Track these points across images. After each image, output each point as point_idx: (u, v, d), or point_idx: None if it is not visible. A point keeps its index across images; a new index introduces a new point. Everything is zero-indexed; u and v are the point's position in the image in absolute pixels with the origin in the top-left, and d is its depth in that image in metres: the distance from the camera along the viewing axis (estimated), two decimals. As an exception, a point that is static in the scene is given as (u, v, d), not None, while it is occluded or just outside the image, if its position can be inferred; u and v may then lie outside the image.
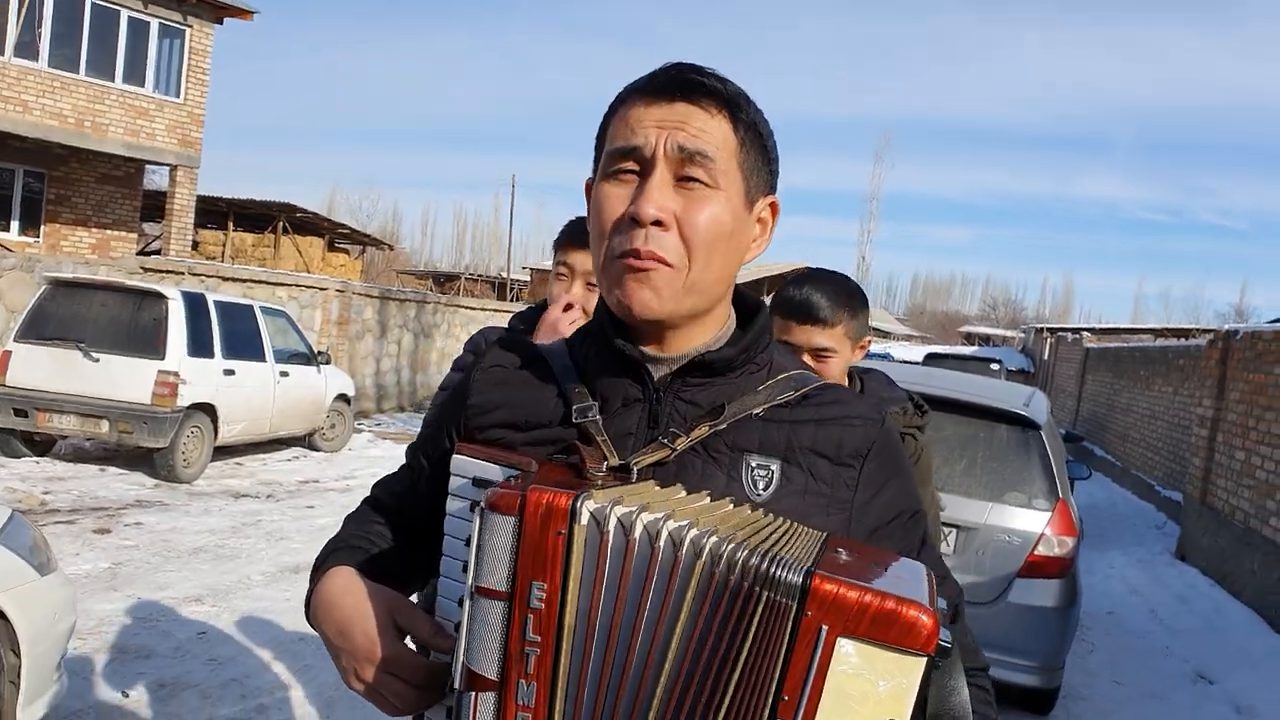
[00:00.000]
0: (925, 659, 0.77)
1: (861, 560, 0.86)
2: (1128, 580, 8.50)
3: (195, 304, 8.83)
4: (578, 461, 0.97)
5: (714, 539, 0.83)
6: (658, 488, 0.94)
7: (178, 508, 7.64)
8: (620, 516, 0.84)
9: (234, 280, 12.69)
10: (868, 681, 0.77)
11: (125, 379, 8.23)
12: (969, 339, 47.51)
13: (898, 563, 0.90)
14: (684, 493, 0.94)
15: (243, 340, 9.37)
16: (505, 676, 0.84)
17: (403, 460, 1.19)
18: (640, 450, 0.99)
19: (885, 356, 18.59)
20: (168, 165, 18.19)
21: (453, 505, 0.99)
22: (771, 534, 0.88)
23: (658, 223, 0.94)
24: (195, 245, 22.73)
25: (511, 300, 31.54)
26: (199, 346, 8.68)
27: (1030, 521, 4.81)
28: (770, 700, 0.79)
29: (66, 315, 8.52)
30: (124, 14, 17.03)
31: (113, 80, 17.02)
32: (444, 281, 42.50)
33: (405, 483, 1.17)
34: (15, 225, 17.52)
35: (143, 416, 8.17)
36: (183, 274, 11.80)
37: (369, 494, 1.21)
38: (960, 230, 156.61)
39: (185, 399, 8.36)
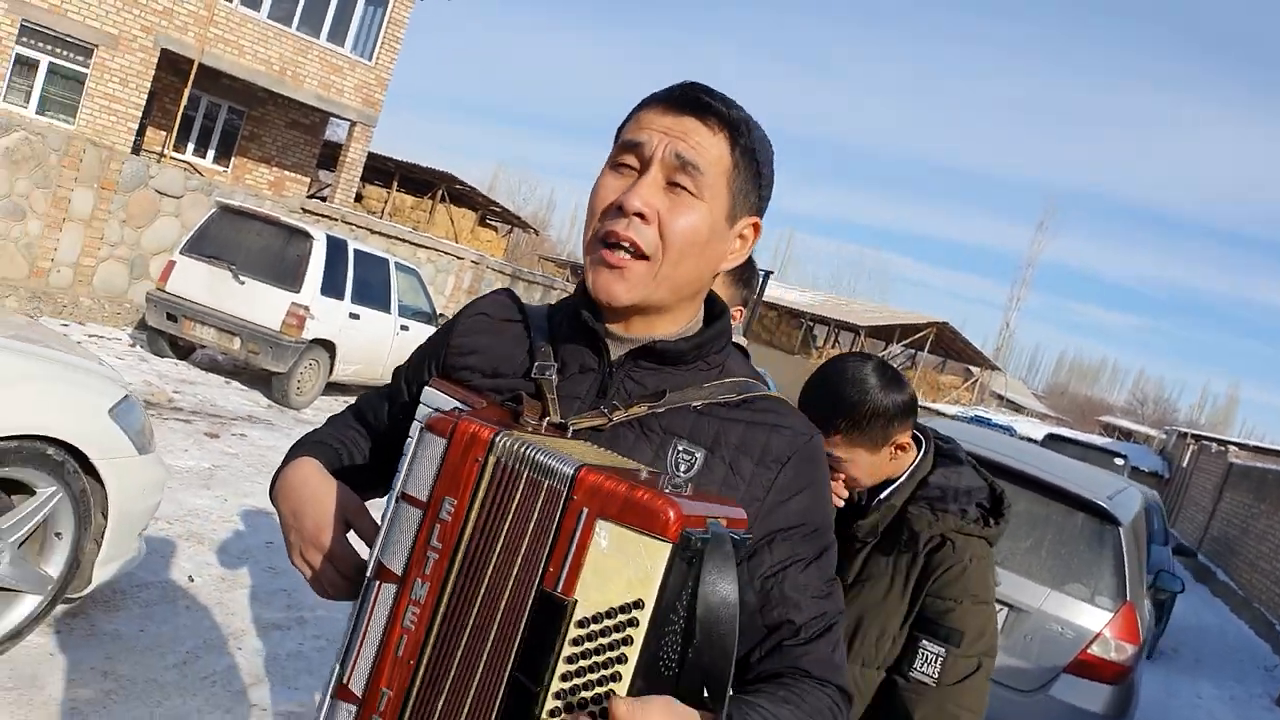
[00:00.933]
0: (669, 545, 0.84)
1: (654, 478, 0.94)
2: (1214, 715, 8.01)
3: (336, 248, 9.36)
4: (520, 410, 1.07)
5: (536, 450, 0.92)
6: (583, 445, 1.02)
7: (282, 429, 8.15)
8: (522, 454, 0.93)
9: (381, 234, 13.38)
10: (619, 561, 0.86)
11: (262, 304, 8.83)
12: (1107, 430, 45.14)
13: (722, 504, 0.96)
14: (601, 450, 1.03)
15: (372, 289, 9.86)
16: (407, 573, 0.95)
17: None
18: (581, 414, 1.09)
19: (1009, 430, 17.86)
20: (349, 120, 19.30)
21: (414, 429, 1.08)
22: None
23: (641, 215, 1.04)
24: (359, 198, 23.96)
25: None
26: (331, 287, 9.20)
27: (1089, 618, 4.66)
28: (540, 571, 0.89)
29: (226, 238, 9.20)
30: (340, -24, 18.19)
31: (317, 37, 18.19)
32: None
33: (384, 402, 1.30)
34: (211, 154, 18.94)
35: (270, 341, 8.75)
36: (336, 220, 12.53)
37: (354, 402, 1.36)
38: (1118, 315, 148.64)
39: (310, 333, 8.91)
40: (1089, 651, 4.62)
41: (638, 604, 0.85)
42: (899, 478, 1.95)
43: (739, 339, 2.82)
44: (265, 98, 18.83)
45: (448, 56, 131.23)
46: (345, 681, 0.97)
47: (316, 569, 1.08)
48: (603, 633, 0.86)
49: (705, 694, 0.89)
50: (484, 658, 0.91)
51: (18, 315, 5.43)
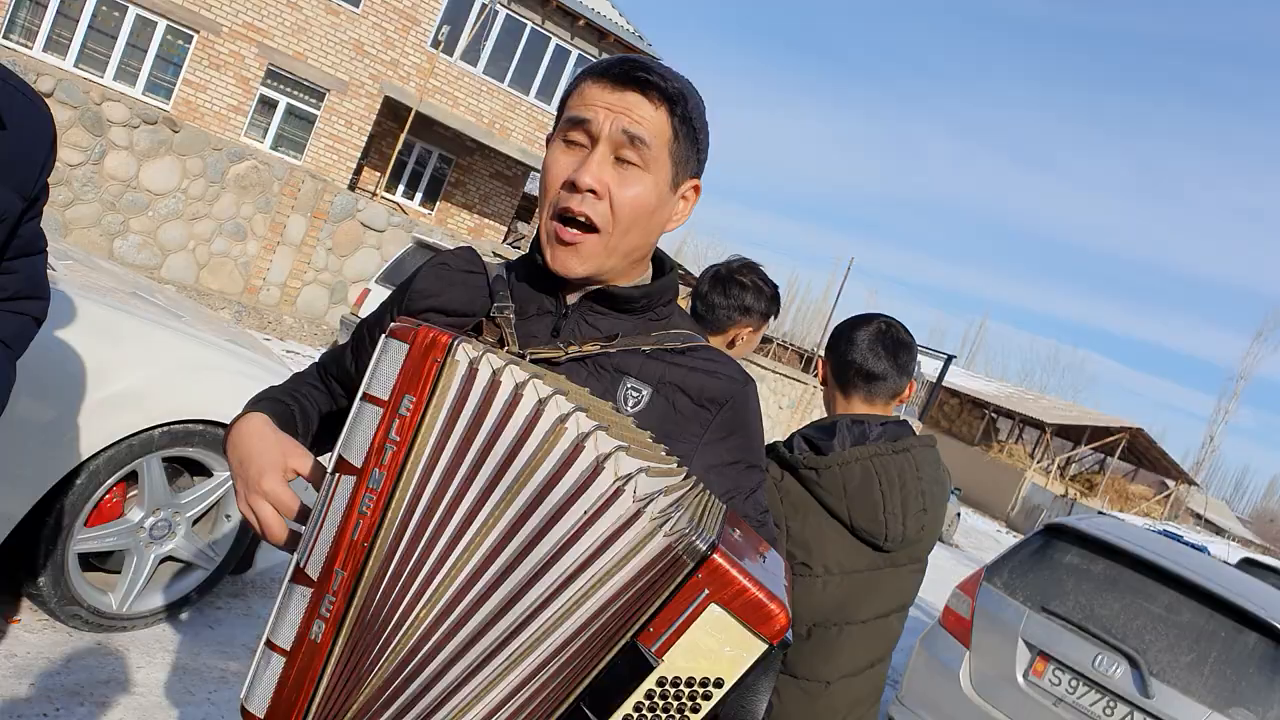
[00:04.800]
0: (767, 646, 0.91)
1: (748, 543, 1.00)
2: None
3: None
4: (478, 337, 1.13)
5: (582, 416, 0.94)
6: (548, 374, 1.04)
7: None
8: (493, 363, 0.97)
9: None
10: (718, 643, 0.92)
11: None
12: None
13: (770, 554, 1.03)
14: (563, 378, 1.05)
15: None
16: (365, 464, 0.98)
17: None
18: (539, 348, 1.16)
19: (1203, 550, 16.49)
20: (548, 175, 20.22)
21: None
22: (647, 446, 1.01)
23: (593, 191, 1.12)
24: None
25: (812, 373, 31.48)
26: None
27: (1255, 749, 4.25)
28: (638, 623, 0.92)
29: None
30: (553, 41, 19.28)
31: (527, 95, 19.30)
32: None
33: (347, 353, 1.36)
34: (419, 196, 20.28)
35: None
36: (524, 267, 13.11)
37: (319, 358, 1.41)
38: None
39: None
40: (1254, 787, 4.21)
41: (718, 683, 0.92)
42: None
43: (915, 422, 2.84)
44: (473, 148, 20.05)
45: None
46: (301, 566, 1.01)
47: (260, 514, 1.09)
48: (675, 696, 0.92)
49: None
50: (533, 634, 0.95)
51: (219, 315, 5.97)
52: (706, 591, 0.91)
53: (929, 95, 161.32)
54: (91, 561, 3.34)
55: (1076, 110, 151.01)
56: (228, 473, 3.52)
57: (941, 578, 5.61)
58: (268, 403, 1.26)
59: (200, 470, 3.52)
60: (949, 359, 18.56)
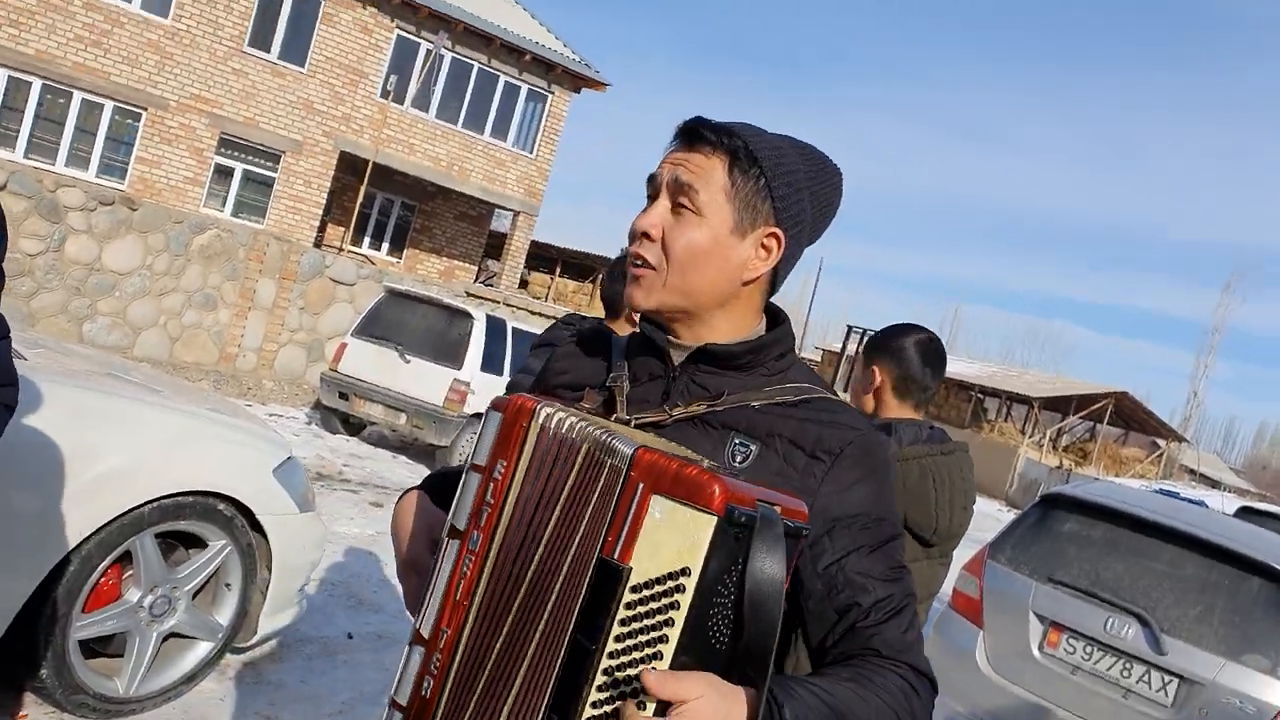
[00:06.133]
0: (714, 518, 0.92)
1: (714, 467, 1.02)
2: None
3: (495, 327, 9.82)
4: (585, 405, 1.22)
5: (600, 431, 1.04)
6: (645, 435, 1.13)
7: (444, 502, 8.48)
8: (561, 419, 1.06)
9: (540, 315, 13.93)
10: (670, 532, 0.94)
11: (426, 381, 9.33)
12: (1322, 506, 41.03)
13: (762, 486, 1.02)
14: (651, 436, 1.13)
15: (530, 366, 10.25)
16: (467, 528, 1.08)
17: None
18: (646, 410, 1.22)
19: (1200, 505, 16.51)
20: (512, 211, 20.32)
21: None
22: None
23: (646, 235, 1.20)
24: (523, 284, 25.00)
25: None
26: (491, 364, 9.63)
27: (1273, 692, 4.27)
28: (600, 540, 0.98)
29: (394, 320, 9.82)
30: (502, 79, 19.38)
31: (482, 134, 19.37)
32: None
33: None
34: (385, 246, 20.29)
35: (433, 416, 9.22)
36: (498, 303, 13.13)
37: None
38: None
39: (470, 407, 9.31)
40: (1278, 730, 4.23)
41: (684, 571, 0.92)
42: None
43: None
44: (435, 192, 20.10)
45: (607, 146, 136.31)
46: (418, 627, 1.10)
47: (404, 584, 1.20)
48: (653, 598, 0.94)
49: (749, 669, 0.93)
50: (546, 614, 1.00)
51: (198, 385, 5.95)
52: (642, 485, 0.95)
53: (875, 87, 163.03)
54: (93, 647, 3.31)
55: (1023, 83, 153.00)
56: (223, 541, 3.51)
57: (951, 567, 5.61)
58: (431, 477, 1.39)
59: (195, 542, 3.50)
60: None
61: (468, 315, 9.67)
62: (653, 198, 1.23)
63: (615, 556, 0.96)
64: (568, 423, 1.06)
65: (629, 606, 0.94)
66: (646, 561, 0.95)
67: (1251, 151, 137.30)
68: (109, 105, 15.92)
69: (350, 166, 18.51)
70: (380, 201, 20.10)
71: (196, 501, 3.38)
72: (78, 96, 15.60)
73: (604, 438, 1.02)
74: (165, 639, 3.43)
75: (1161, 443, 37.12)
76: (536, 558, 1.03)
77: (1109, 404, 32.78)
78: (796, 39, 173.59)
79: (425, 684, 1.07)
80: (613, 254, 28.07)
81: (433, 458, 9.58)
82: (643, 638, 0.94)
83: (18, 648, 3.04)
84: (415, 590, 1.18)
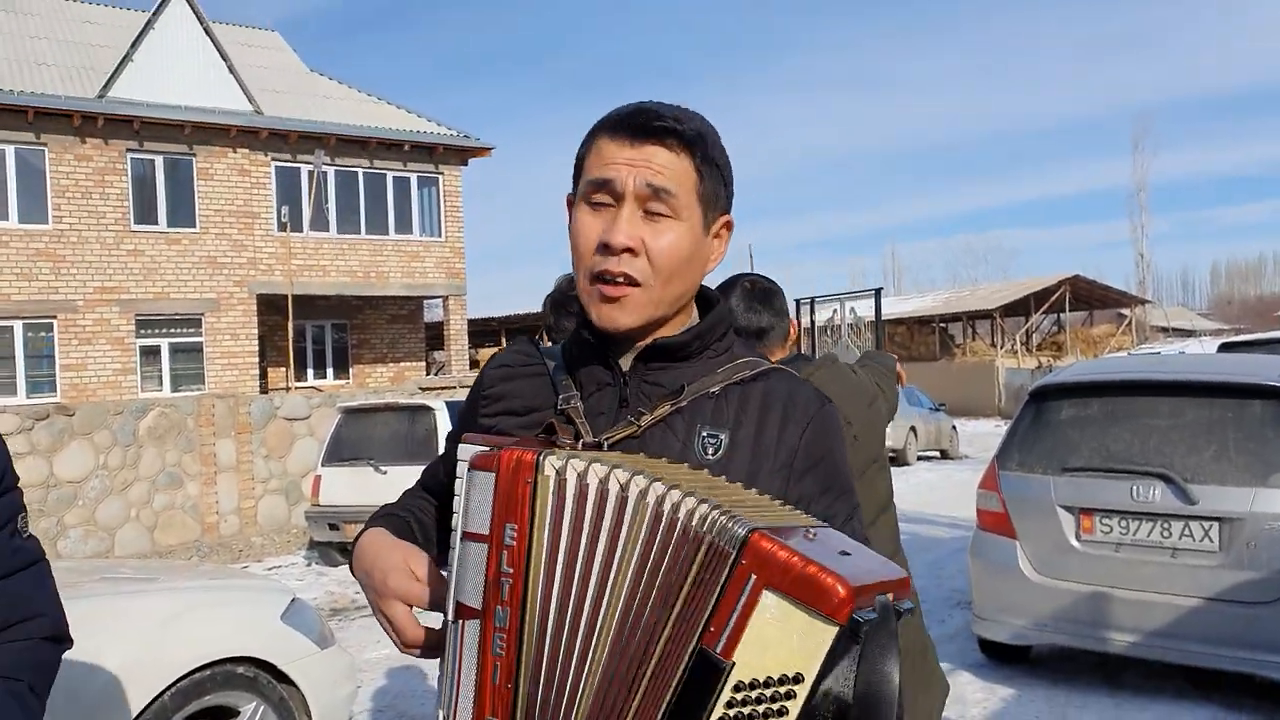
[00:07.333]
0: (835, 628, 0.84)
1: (821, 541, 0.93)
2: None
3: (459, 411, 9.73)
4: (553, 437, 1.12)
5: (658, 484, 0.95)
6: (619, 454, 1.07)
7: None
8: (577, 469, 0.98)
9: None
10: (781, 632, 0.86)
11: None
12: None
13: (823, 532, 0.96)
14: (642, 456, 1.07)
15: (504, 437, 10.18)
16: (486, 605, 0.98)
17: None
18: (611, 428, 1.15)
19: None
20: (440, 297, 20.25)
21: (457, 486, 1.14)
22: (724, 491, 1.00)
23: (629, 249, 1.10)
24: (474, 364, 24.89)
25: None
26: (467, 449, 9.53)
27: (1310, 502, 4.29)
28: (700, 629, 0.89)
29: (358, 437, 9.69)
30: (389, 175, 19.39)
31: (387, 234, 19.33)
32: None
33: (440, 465, 1.39)
34: (330, 371, 20.12)
35: (426, 518, 9.07)
36: (455, 388, 13.04)
37: (420, 475, 1.45)
38: (1257, 206, 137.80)
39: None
40: (1327, 537, 4.24)
41: (797, 678, 0.85)
42: None
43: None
44: (360, 304, 19.99)
45: (510, 204, 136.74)
46: None
47: (392, 615, 1.10)
48: (758, 700, 0.87)
49: None
50: (632, 704, 0.92)
51: (188, 562, 5.81)
52: (754, 577, 0.86)
53: (751, 68, 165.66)
54: None
55: (876, 28, 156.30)
56: (254, 703, 3.41)
57: (971, 493, 5.63)
58: (383, 519, 1.30)
59: (226, 713, 3.40)
60: (878, 292, 18.78)
61: (428, 409, 9.57)
62: (612, 205, 1.13)
63: (718, 650, 0.87)
64: (596, 472, 0.97)
65: (729, 705, 0.87)
66: (753, 660, 0.86)
67: (1115, 14, 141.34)
68: (18, 325, 15.68)
69: (271, 306, 18.36)
70: (311, 330, 19.94)
71: (215, 672, 3.29)
72: (-18, 326, 15.35)
73: (694, 505, 0.92)
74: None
75: (1126, 312, 37.71)
76: (607, 637, 0.94)
77: (1065, 291, 33.25)
78: (664, 47, 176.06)
79: None
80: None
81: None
82: None
83: None
84: (407, 621, 1.10)
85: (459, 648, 1.00)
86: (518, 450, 0.99)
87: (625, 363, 1.19)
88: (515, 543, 0.97)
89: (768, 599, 0.86)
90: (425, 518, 1.34)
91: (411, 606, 1.12)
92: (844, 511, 1.18)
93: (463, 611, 1.00)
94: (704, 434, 1.14)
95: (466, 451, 1.12)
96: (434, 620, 1.10)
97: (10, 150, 15.88)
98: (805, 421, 1.17)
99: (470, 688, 0.99)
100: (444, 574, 1.09)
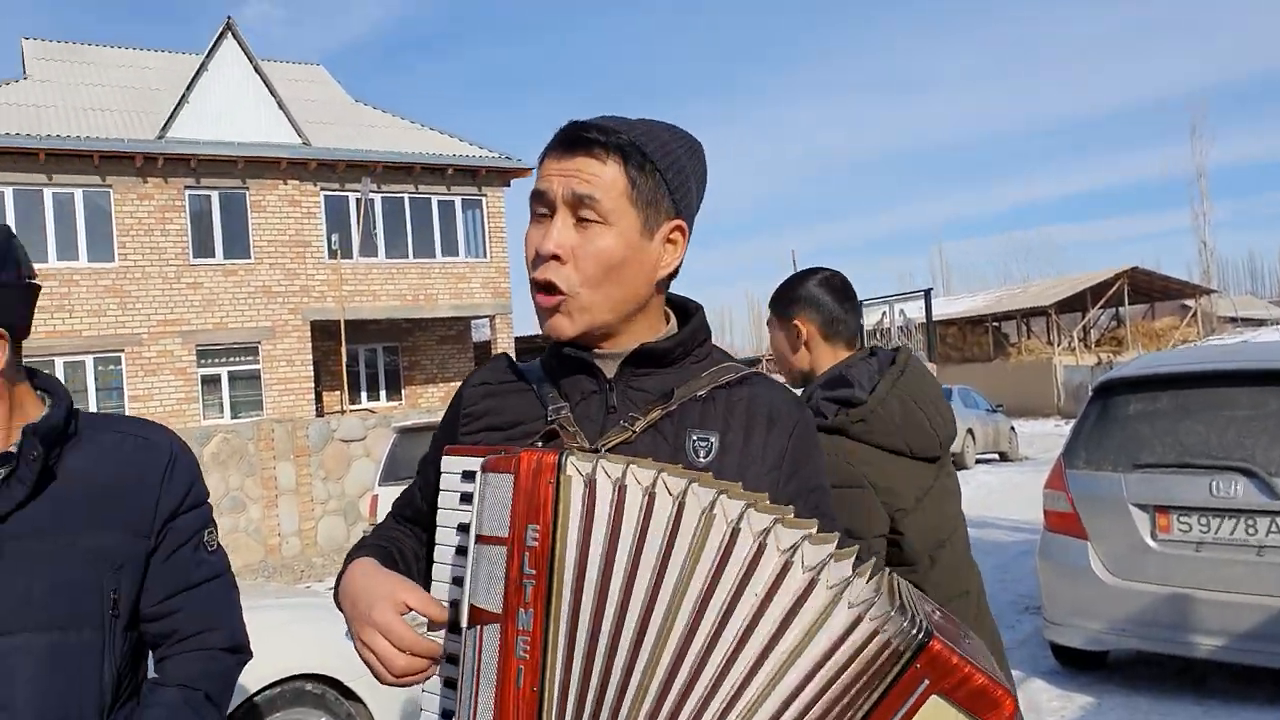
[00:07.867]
0: None
1: (945, 618, 0.95)
2: None
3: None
4: (556, 445, 1.14)
5: (725, 498, 0.94)
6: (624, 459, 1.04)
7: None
8: (608, 470, 0.96)
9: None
10: None
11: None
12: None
13: (971, 637, 0.98)
14: (651, 460, 1.04)
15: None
16: (506, 607, 0.95)
17: None
18: (605, 434, 1.16)
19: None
20: (487, 316, 20.41)
21: (443, 500, 1.11)
22: (748, 498, 0.97)
23: (556, 257, 1.14)
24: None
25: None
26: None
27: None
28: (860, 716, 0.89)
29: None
30: (434, 199, 19.64)
31: (434, 256, 19.56)
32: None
33: (416, 492, 1.37)
34: (383, 393, 20.37)
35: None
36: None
37: (391, 506, 1.43)
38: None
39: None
40: None
41: None
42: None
43: (929, 365, 2.88)
44: (410, 327, 20.23)
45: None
46: None
47: (374, 647, 1.07)
48: None
49: None
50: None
51: (251, 583, 5.87)
52: (927, 682, 0.86)
53: (780, 75, 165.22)
54: None
55: (916, 28, 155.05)
56: (322, 719, 3.42)
57: (1034, 495, 5.48)
58: (368, 549, 1.28)
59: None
60: (927, 293, 18.58)
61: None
62: (549, 216, 1.16)
63: None
64: (637, 476, 0.95)
65: None
66: None
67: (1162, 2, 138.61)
68: (88, 359, 16.12)
69: (325, 332, 18.65)
70: (364, 354, 20.21)
71: (285, 689, 3.33)
72: (58, 361, 15.80)
73: (796, 539, 0.92)
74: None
75: (1190, 303, 36.70)
76: (668, 639, 0.92)
77: (1123, 283, 32.46)
78: (702, 59, 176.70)
79: None
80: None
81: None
82: None
83: None
84: (389, 653, 1.06)
85: (476, 654, 0.97)
86: (537, 452, 0.98)
87: (609, 370, 1.20)
88: (538, 544, 0.95)
89: (935, 703, 0.87)
90: (405, 548, 1.33)
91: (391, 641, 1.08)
92: (828, 510, 1.24)
93: (479, 616, 0.97)
94: (695, 437, 1.16)
95: (452, 465, 1.12)
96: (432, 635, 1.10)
97: (79, 194, 16.42)
98: (791, 425, 1.21)
99: (490, 695, 0.96)
100: (435, 596, 1.09)
